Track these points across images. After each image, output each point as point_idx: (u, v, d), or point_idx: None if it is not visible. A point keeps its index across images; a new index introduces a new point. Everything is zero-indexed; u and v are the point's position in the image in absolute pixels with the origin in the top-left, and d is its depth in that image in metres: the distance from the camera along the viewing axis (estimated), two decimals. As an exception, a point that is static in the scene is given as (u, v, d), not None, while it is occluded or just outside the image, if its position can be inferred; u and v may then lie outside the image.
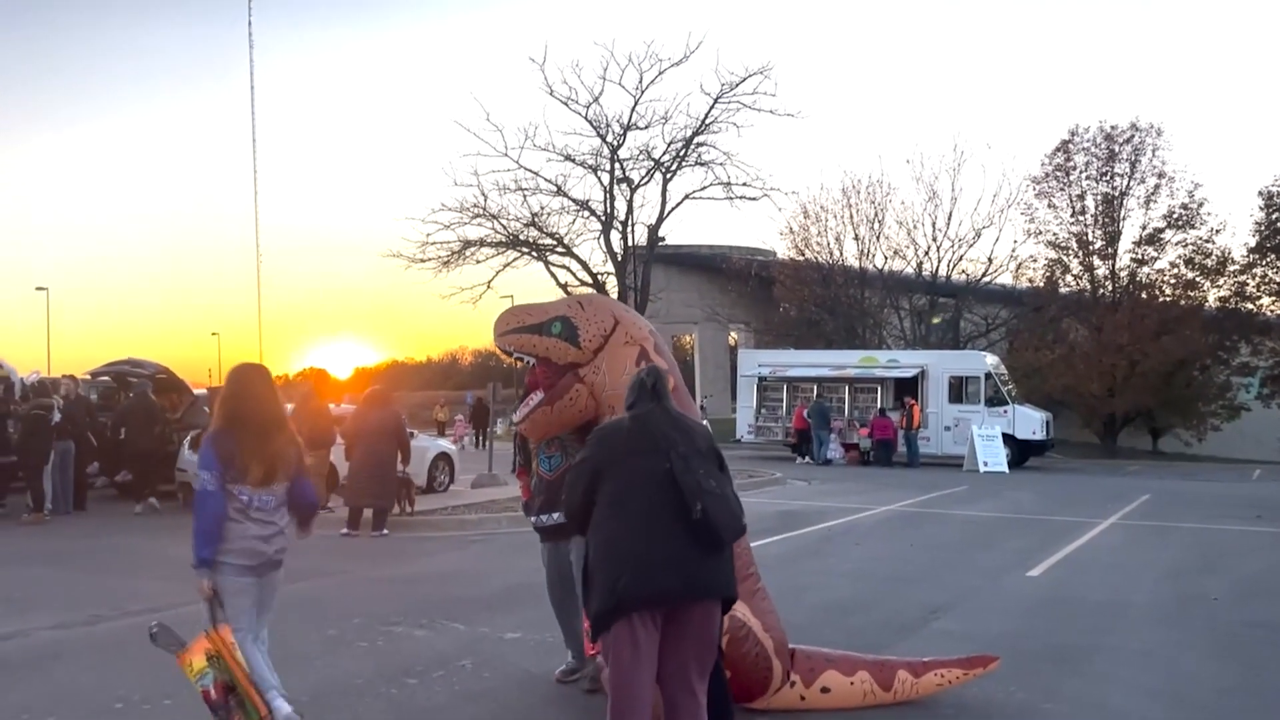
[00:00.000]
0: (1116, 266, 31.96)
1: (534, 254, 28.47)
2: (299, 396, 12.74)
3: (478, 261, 28.15)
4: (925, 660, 5.23)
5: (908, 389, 25.11)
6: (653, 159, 27.99)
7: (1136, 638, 6.67)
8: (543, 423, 5.09)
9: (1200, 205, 31.00)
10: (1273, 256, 30.93)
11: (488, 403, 25.32)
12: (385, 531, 11.26)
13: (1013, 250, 34.47)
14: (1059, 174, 32.23)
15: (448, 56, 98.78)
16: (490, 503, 13.34)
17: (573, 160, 27.81)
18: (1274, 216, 30.73)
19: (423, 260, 27.75)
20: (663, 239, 29.23)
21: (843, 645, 5.64)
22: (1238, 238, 47.32)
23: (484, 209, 27.71)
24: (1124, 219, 31.70)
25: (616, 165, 28.05)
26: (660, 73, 27.07)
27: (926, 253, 35.07)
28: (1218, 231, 31.23)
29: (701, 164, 27.93)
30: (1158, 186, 31.21)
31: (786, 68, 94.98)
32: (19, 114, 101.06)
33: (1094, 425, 32.21)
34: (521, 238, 28.21)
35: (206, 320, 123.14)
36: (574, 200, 28.20)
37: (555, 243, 28.49)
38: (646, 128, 27.73)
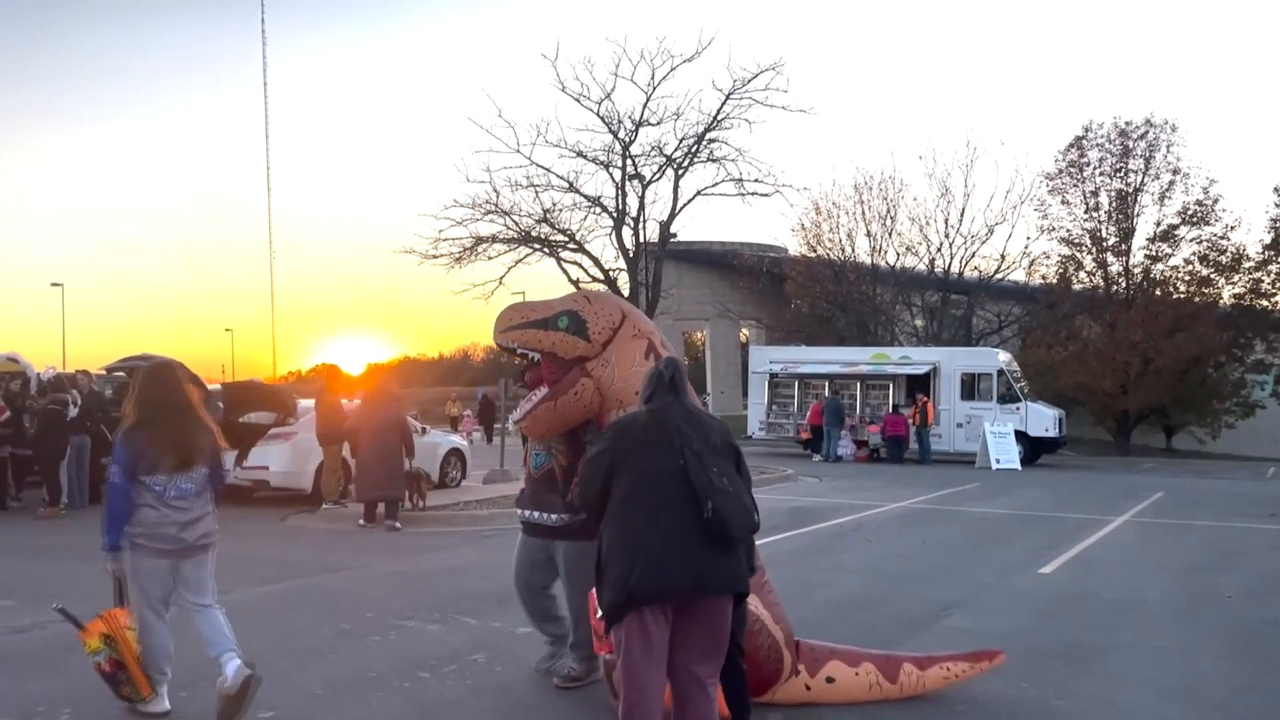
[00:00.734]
0: (1130, 263, 31.79)
1: (546, 250, 28.48)
2: (314, 392, 12.89)
3: (490, 258, 28.16)
4: (931, 654, 5.23)
5: (920, 386, 25.05)
6: (664, 155, 27.95)
7: (1150, 635, 6.65)
8: (545, 419, 5.00)
9: (1215, 202, 30.81)
10: (1288, 253, 30.74)
11: (494, 399, 25.40)
12: (398, 525, 11.32)
13: (1026, 247, 34.34)
14: (1073, 170, 32.07)
15: (460, 54, 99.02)
16: (502, 498, 13.37)
17: (585, 156, 27.81)
18: (1289, 213, 30.52)
19: (435, 256, 27.78)
20: (674, 235, 29.20)
21: (854, 641, 5.64)
22: (1253, 234, 47.06)
23: (496, 205, 27.73)
24: (1138, 215, 31.54)
25: (628, 161, 28.02)
26: (672, 69, 27.01)
27: (939, 249, 34.99)
28: (1233, 228, 31.04)
29: (713, 160, 27.88)
30: (1172, 183, 31.03)
31: (799, 64, 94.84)
32: (34, 112, 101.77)
33: (1107, 423, 32.08)
34: (533, 234, 28.22)
35: (220, 316, 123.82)
36: (586, 197, 28.19)
37: (567, 239, 28.49)
38: (658, 124, 27.69)
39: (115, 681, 4.56)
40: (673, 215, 28.25)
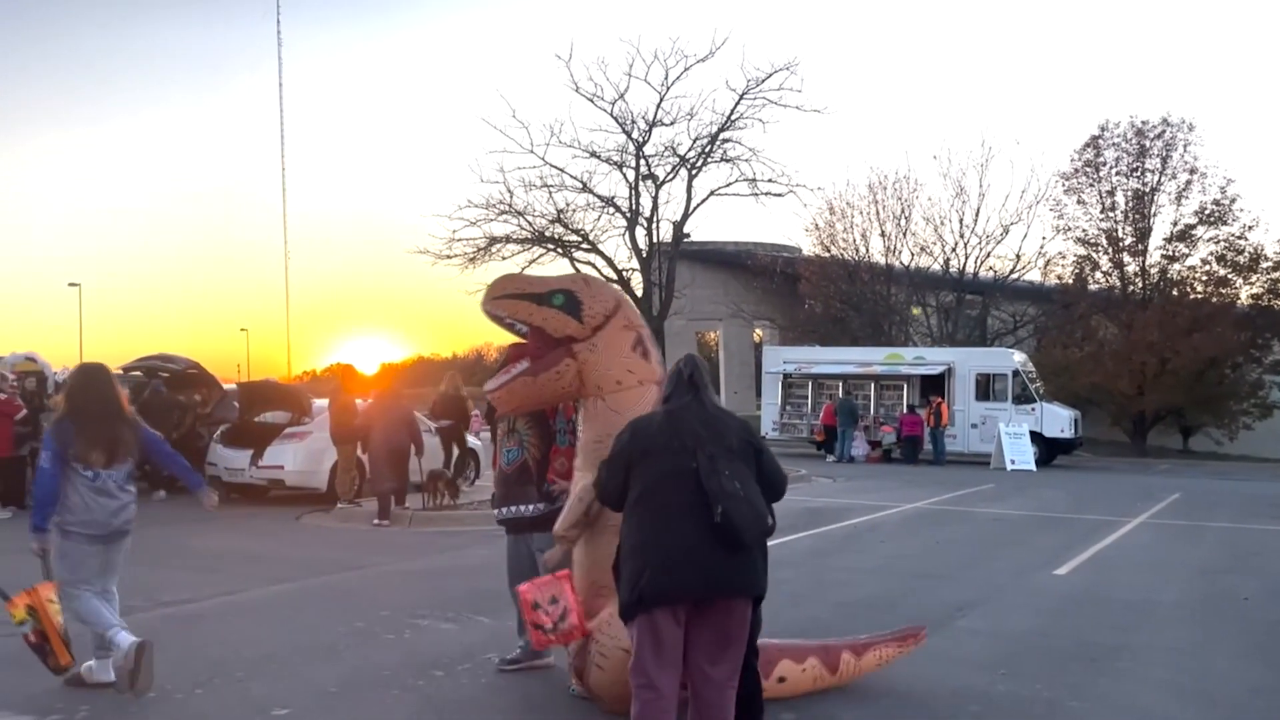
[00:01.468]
0: (1147, 263, 31.60)
1: (559, 250, 28.57)
2: (328, 392, 13.06)
3: (503, 258, 28.29)
4: (863, 640, 5.32)
5: (934, 386, 24.97)
6: (678, 155, 28.00)
7: (1166, 637, 6.62)
8: (520, 393, 4.95)
9: (1232, 201, 30.60)
10: (1306, 253, 30.52)
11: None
12: (387, 522, 11.57)
13: (1041, 247, 34.14)
14: (1088, 170, 31.90)
15: (474, 54, 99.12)
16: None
17: (598, 157, 27.90)
18: (1308, 213, 30.28)
19: (449, 257, 27.94)
20: (688, 235, 29.24)
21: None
22: (1270, 234, 46.79)
23: (510, 206, 27.86)
24: (1155, 215, 31.34)
25: (642, 162, 28.09)
26: (686, 69, 27.12)
27: (954, 249, 34.86)
28: (1250, 228, 30.81)
29: (727, 160, 27.95)
30: (1189, 182, 30.82)
31: (812, 63, 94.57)
32: (49, 112, 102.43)
33: (1123, 424, 31.90)
34: (547, 234, 28.32)
35: (236, 316, 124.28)
36: (599, 197, 28.28)
37: (580, 239, 28.58)
38: (672, 124, 27.78)
39: (43, 653, 4.86)
40: (686, 215, 28.32)
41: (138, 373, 16.10)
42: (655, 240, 28.70)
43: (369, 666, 5.56)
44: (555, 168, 27.73)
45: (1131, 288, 31.60)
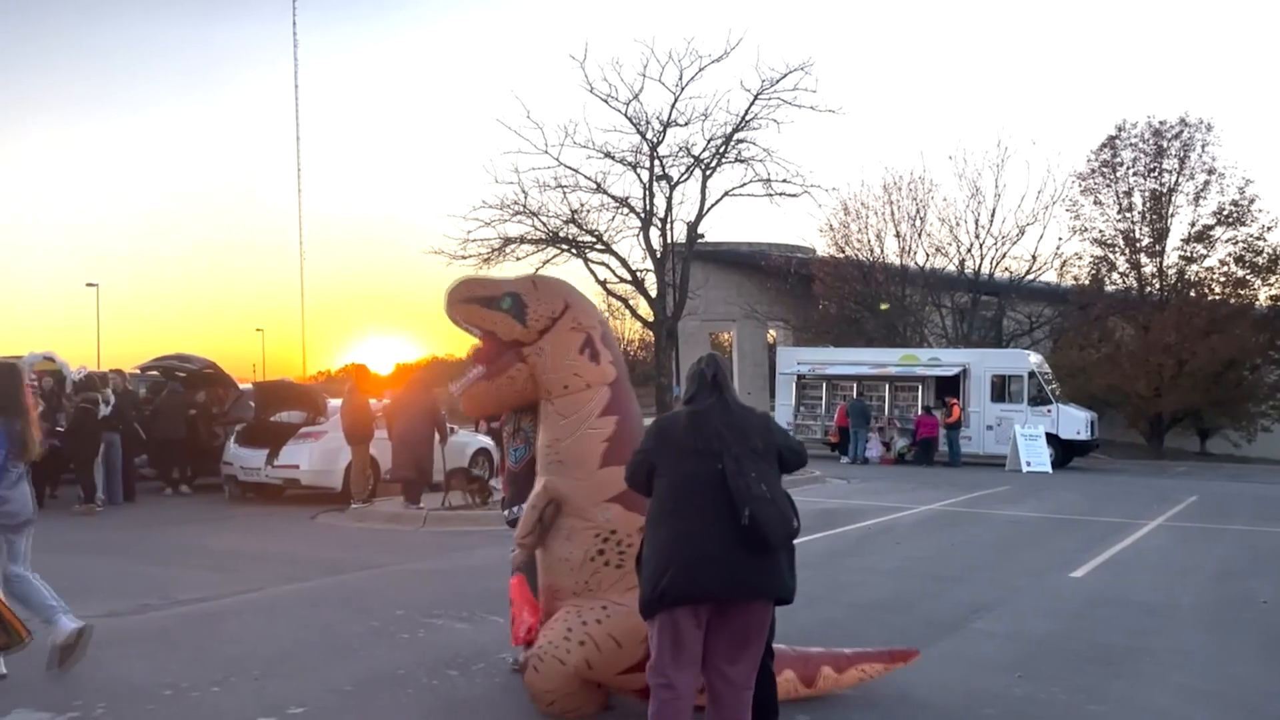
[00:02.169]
0: (1164, 264, 31.35)
1: (573, 251, 28.54)
2: (343, 392, 13.32)
3: (518, 259, 28.23)
4: (849, 654, 5.17)
5: (949, 388, 24.87)
6: (692, 156, 27.94)
7: (1183, 640, 6.58)
8: (480, 397, 5.06)
9: (1251, 202, 30.33)
10: (1325, 255, 30.24)
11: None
12: (422, 508, 11.79)
13: (1057, 248, 33.90)
14: (1105, 170, 31.69)
15: (488, 54, 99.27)
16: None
17: (612, 157, 27.84)
18: (1327, 214, 30.02)
19: (464, 257, 27.89)
20: (702, 236, 29.17)
21: (883, 644, 5.62)
22: (1289, 235, 46.24)
23: (524, 206, 27.83)
24: (1172, 216, 31.10)
25: (656, 162, 28.04)
26: (700, 69, 27.00)
27: (969, 250, 34.70)
28: (1269, 229, 30.52)
29: (741, 161, 27.84)
30: (1207, 183, 30.57)
31: (827, 64, 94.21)
32: (64, 111, 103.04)
33: (1140, 425, 31.68)
34: (561, 235, 28.29)
35: (251, 316, 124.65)
36: (613, 197, 28.23)
37: (594, 240, 28.54)
38: (686, 124, 27.69)
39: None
40: (700, 216, 28.24)
41: (155, 372, 16.21)
42: (669, 241, 28.66)
43: (384, 665, 5.58)
44: (569, 168, 27.72)
45: (1149, 289, 31.39)
